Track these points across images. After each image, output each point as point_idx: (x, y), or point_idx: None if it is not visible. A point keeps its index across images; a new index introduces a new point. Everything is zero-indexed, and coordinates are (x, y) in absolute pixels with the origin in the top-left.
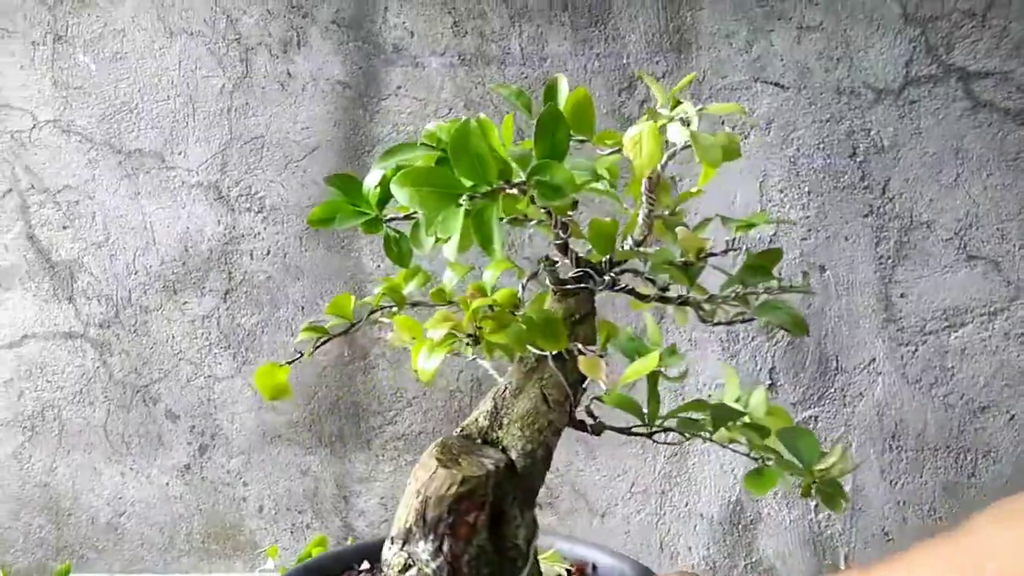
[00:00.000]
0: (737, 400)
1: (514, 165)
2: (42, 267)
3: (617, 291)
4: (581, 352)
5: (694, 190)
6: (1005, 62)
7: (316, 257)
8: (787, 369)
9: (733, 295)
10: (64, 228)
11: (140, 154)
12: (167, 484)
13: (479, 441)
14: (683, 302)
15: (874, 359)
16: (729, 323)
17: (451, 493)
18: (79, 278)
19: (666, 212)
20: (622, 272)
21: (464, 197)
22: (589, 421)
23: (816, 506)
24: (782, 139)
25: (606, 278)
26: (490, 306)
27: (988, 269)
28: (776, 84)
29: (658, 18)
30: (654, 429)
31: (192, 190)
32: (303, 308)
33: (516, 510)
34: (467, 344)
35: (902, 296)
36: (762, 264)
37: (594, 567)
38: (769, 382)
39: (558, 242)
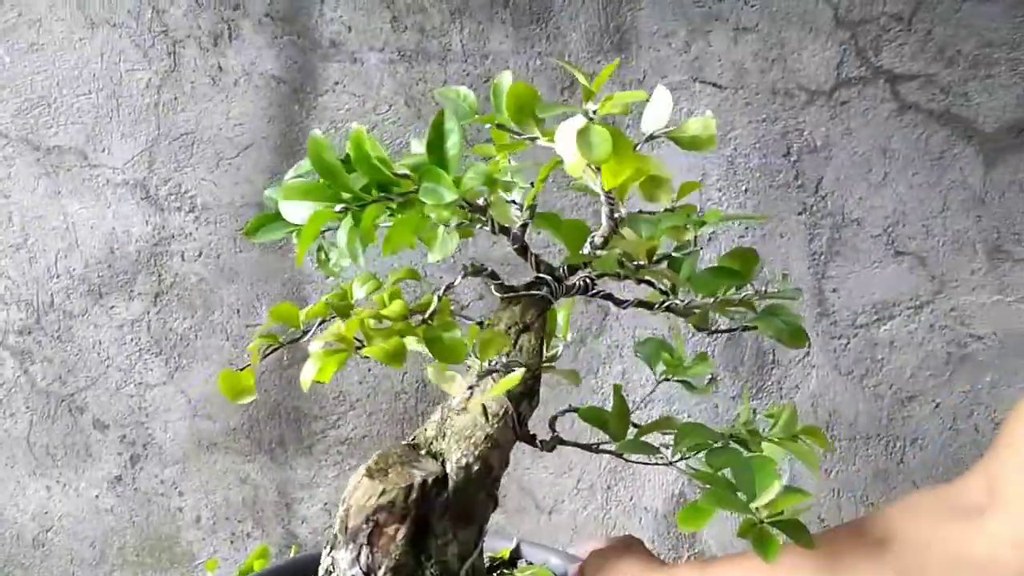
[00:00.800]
0: (770, 416)
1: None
2: None
3: (593, 296)
4: (507, 368)
5: (695, 182)
6: (929, 65)
7: (251, 258)
8: (727, 364)
9: (717, 301)
10: None
11: (60, 151)
12: (96, 497)
13: (423, 452)
14: (667, 308)
15: (808, 352)
16: (729, 331)
17: (370, 504)
18: None
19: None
20: (600, 276)
21: (340, 208)
22: (542, 436)
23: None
24: (720, 138)
25: (574, 282)
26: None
27: (914, 264)
28: (714, 84)
29: (599, 18)
30: (614, 450)
31: (117, 189)
32: (238, 311)
33: (445, 526)
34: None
35: (834, 291)
36: (733, 268)
37: None
38: (709, 376)
39: (515, 246)
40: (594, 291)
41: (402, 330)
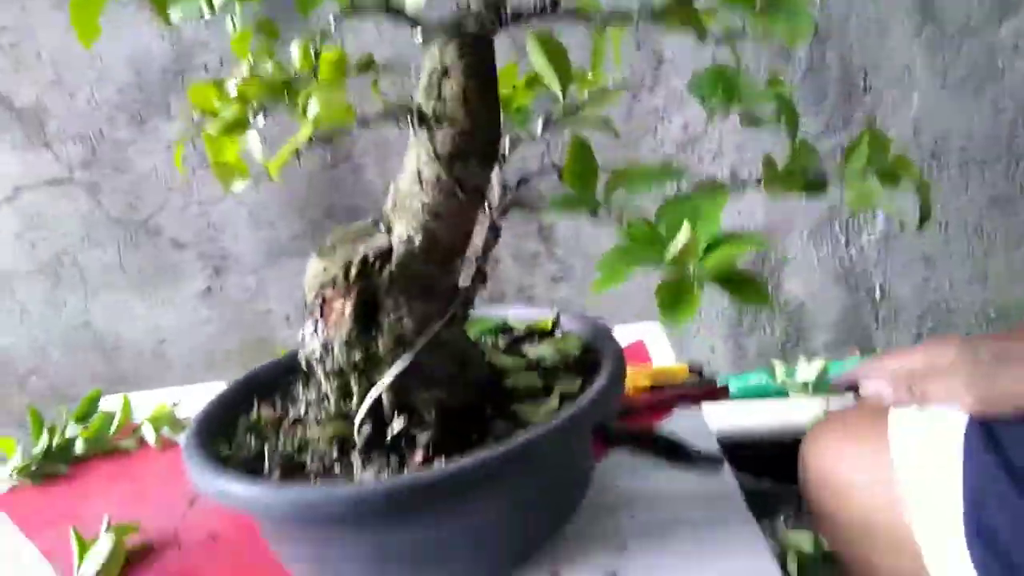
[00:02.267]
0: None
1: None
2: (8, 116)
3: (553, 18)
4: (428, 120)
5: None
6: None
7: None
8: (807, 97)
9: None
10: (16, 72)
11: None
12: (194, 309)
13: (380, 226)
14: (647, 17)
15: (908, 67)
16: (728, 39)
17: (315, 281)
18: (48, 122)
19: None
20: None
21: None
22: (495, 202)
23: (847, 242)
24: None
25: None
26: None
27: None
28: None
29: None
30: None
31: (125, 7)
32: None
33: (396, 300)
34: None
35: None
36: None
37: None
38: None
39: None
40: (554, 10)
41: (261, 93)
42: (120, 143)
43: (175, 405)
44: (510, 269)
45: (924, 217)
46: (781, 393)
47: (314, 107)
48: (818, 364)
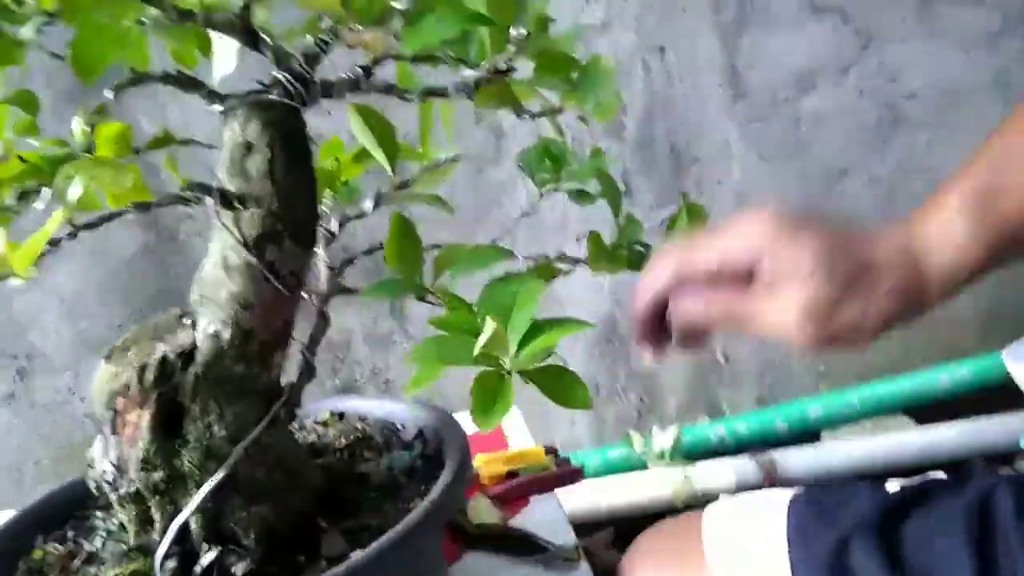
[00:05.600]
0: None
1: None
2: None
3: (368, 91)
4: (230, 201)
5: None
6: None
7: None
8: (639, 170)
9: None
10: None
11: None
12: None
13: (185, 319)
14: (467, 92)
15: (727, 141)
16: (542, 115)
17: (105, 389)
18: None
19: None
20: (376, 62)
21: None
22: (321, 286)
23: None
24: None
25: (342, 76)
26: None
27: (836, 21)
28: None
29: None
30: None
31: None
32: None
33: (204, 405)
34: None
35: (749, 67)
36: (473, 10)
37: None
38: (624, 187)
39: (234, 34)
40: (368, 82)
41: (20, 177)
42: None
43: None
44: (361, 350)
45: None
46: (641, 465)
47: (76, 190)
48: (672, 431)
